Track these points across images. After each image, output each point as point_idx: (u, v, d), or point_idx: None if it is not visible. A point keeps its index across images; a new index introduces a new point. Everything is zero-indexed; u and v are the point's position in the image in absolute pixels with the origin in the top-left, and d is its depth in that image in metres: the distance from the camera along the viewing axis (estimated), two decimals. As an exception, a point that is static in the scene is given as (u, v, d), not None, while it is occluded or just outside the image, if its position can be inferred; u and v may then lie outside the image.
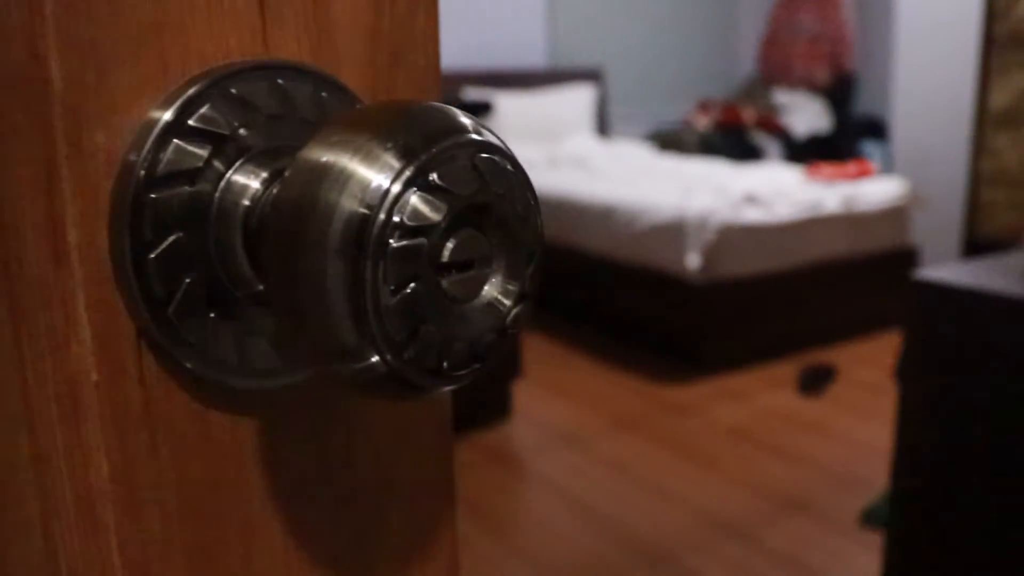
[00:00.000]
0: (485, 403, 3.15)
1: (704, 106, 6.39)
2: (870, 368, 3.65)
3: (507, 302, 0.36)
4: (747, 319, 3.68)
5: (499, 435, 3.07)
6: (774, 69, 6.79)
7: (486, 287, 0.35)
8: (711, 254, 3.52)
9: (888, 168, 5.11)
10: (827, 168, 4.21)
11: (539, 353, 3.73)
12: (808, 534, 2.40)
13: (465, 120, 0.34)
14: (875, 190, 4.00)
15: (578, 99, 5.63)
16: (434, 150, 0.32)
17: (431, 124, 0.33)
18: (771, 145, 6.24)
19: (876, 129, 6.42)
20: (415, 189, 0.31)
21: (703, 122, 6.20)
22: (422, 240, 0.32)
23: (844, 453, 2.89)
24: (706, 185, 4.01)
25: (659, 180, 4.36)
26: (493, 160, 0.34)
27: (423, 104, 0.35)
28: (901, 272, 4.06)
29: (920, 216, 4.70)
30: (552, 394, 3.42)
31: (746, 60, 6.91)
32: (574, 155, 5.08)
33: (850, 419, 3.17)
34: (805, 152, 6.27)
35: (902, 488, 1.52)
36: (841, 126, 6.49)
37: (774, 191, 3.76)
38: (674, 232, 3.57)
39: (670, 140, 6.02)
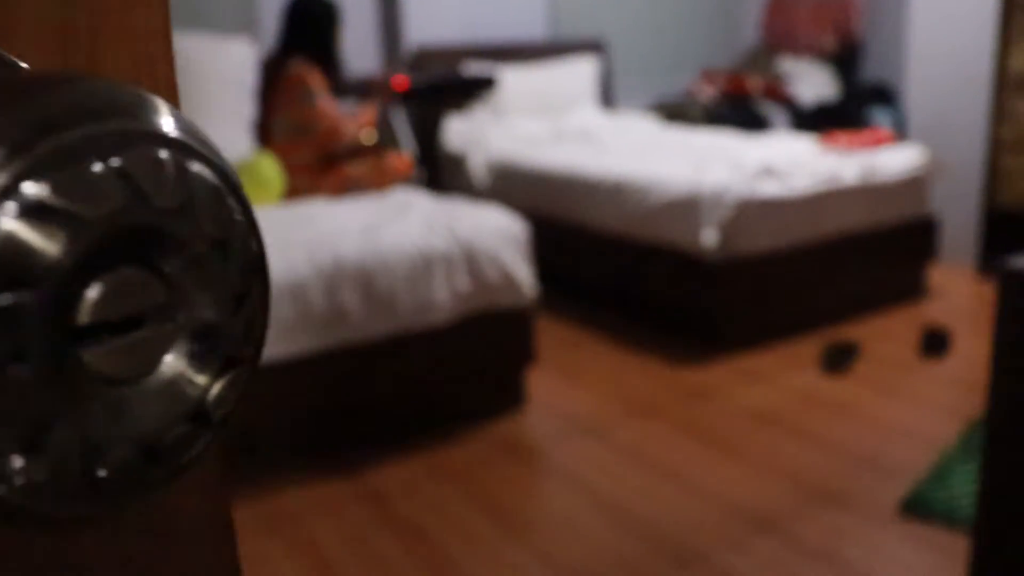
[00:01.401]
0: (498, 391, 3.02)
1: (708, 76, 6.23)
2: (893, 343, 3.52)
3: (202, 376, 0.25)
4: (765, 296, 3.55)
5: (513, 425, 2.94)
6: (778, 37, 6.62)
7: (168, 356, 0.24)
8: (728, 230, 3.38)
9: (899, 135, 4.96)
10: (843, 137, 4.07)
11: (551, 336, 3.60)
12: (845, 526, 2.27)
13: (123, 96, 0.22)
14: (894, 159, 3.86)
15: (581, 71, 5.47)
16: (46, 146, 0.20)
17: (56, 103, 0.21)
18: (777, 114, 6.09)
19: (885, 95, 6.27)
20: (15, 208, 0.19)
21: (708, 92, 6.05)
22: (26, 295, 0.20)
23: (875, 436, 2.77)
24: (718, 158, 3.88)
25: (669, 153, 4.22)
26: (158, 159, 0.23)
27: (61, 75, 0.22)
28: (920, 242, 4.01)
29: (938, 185, 4.56)
30: (567, 380, 3.29)
31: (749, 28, 6.74)
32: (579, 129, 4.94)
33: (877, 398, 3.05)
34: (812, 120, 6.13)
35: (993, 486, 1.39)
36: (848, 93, 6.34)
37: (790, 163, 3.62)
38: (689, 208, 3.43)
39: (675, 111, 5.88)
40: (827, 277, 3.69)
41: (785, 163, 3.60)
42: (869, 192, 3.74)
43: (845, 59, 6.47)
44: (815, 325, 3.67)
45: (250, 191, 3.21)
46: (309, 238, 2.68)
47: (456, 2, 5.39)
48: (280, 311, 2.51)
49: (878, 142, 4.00)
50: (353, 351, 2.66)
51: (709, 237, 3.36)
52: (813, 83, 6.26)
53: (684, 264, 3.49)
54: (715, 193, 3.38)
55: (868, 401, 3.03)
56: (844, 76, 6.41)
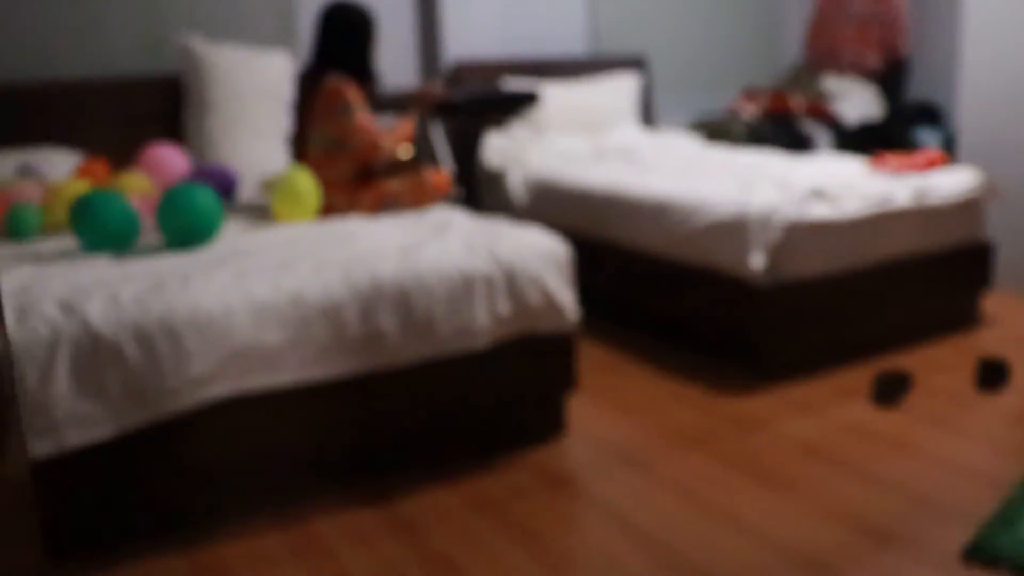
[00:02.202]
0: (537, 418, 2.91)
1: (750, 94, 6.11)
2: (948, 374, 3.38)
3: None
4: (812, 323, 3.42)
5: (553, 454, 2.84)
6: (822, 54, 6.49)
7: None
8: (775, 253, 3.27)
9: (947, 156, 4.81)
10: (893, 159, 3.93)
11: (590, 360, 3.50)
12: (903, 572, 2.15)
13: None
14: (947, 181, 3.72)
15: (621, 88, 5.37)
16: None
17: None
18: (821, 133, 5.95)
19: (931, 115, 6.12)
20: None
21: (749, 110, 5.93)
22: None
23: (932, 474, 2.63)
24: (765, 179, 3.76)
25: (712, 173, 4.11)
26: None
27: None
28: (975, 268, 3.87)
29: (992, 208, 4.42)
30: (607, 406, 3.18)
31: (792, 46, 6.61)
32: (620, 146, 4.84)
33: (933, 434, 2.91)
34: (856, 140, 6.00)
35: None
36: (893, 112, 6.19)
37: (840, 185, 3.49)
38: (736, 230, 3.31)
39: (717, 130, 5.76)
40: (877, 304, 3.56)
41: (834, 185, 3.48)
42: (921, 216, 3.61)
43: (890, 78, 6.32)
44: (865, 354, 3.54)
45: (285, 207, 3.14)
46: (345, 257, 2.60)
47: (495, 17, 5.31)
48: (314, 333, 2.43)
49: (930, 164, 3.86)
50: (389, 375, 2.57)
51: (756, 260, 3.24)
52: (857, 102, 6.12)
53: (729, 288, 3.38)
54: (763, 215, 3.27)
55: (924, 436, 2.89)
56: (889, 95, 6.26)
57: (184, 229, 2.72)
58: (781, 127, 5.78)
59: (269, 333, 2.37)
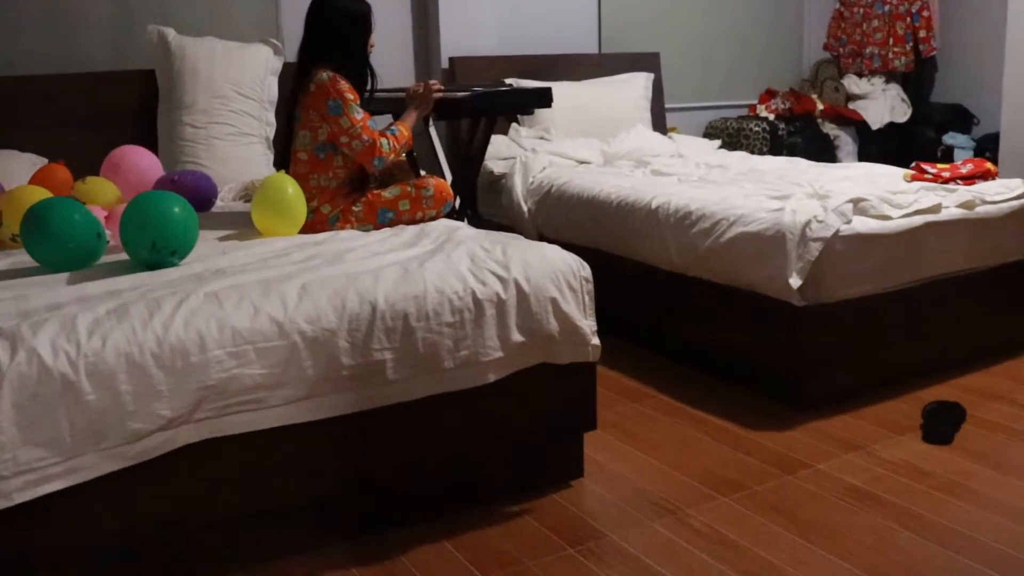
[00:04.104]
0: (552, 460, 2.58)
1: (769, 94, 5.79)
2: (1004, 405, 3.06)
3: None
4: (856, 348, 3.09)
5: (570, 500, 2.50)
6: (845, 54, 6.17)
7: None
8: (815, 271, 2.94)
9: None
10: (935, 168, 3.61)
11: (607, 388, 3.16)
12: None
13: None
14: (997, 191, 3.40)
15: (633, 89, 5.04)
16: None
17: None
18: (844, 137, 5.65)
19: (961, 118, 5.81)
20: None
21: (768, 113, 5.61)
22: None
23: (993, 522, 2.31)
24: (795, 187, 3.44)
25: (737, 181, 3.78)
26: None
27: None
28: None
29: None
30: (629, 443, 2.85)
31: (813, 44, 6.28)
32: (633, 151, 4.51)
33: (995, 475, 2.59)
34: (882, 144, 5.70)
35: None
36: (921, 115, 5.88)
37: (881, 196, 3.17)
38: (771, 245, 2.98)
39: (734, 133, 5.44)
40: (925, 327, 3.23)
41: (876, 195, 3.15)
42: (971, 229, 3.28)
43: (917, 78, 6.02)
44: (912, 382, 3.21)
45: (268, 219, 2.80)
46: (336, 277, 2.26)
47: (496, 13, 4.97)
48: (302, 366, 2.09)
49: (978, 174, 3.54)
50: (386, 413, 2.24)
51: (793, 278, 2.91)
52: (882, 103, 5.81)
53: (763, 309, 3.05)
54: (801, 228, 2.94)
55: (984, 478, 2.57)
56: (915, 96, 5.95)
57: (152, 245, 2.38)
58: (802, 130, 5.47)
59: (249, 367, 2.04)
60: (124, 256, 2.52)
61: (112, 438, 1.90)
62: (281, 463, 2.15)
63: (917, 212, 3.16)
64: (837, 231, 2.96)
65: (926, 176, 3.57)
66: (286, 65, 4.04)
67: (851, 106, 5.85)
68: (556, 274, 2.43)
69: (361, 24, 3.03)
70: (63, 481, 1.87)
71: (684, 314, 3.44)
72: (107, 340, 1.91)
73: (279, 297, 2.13)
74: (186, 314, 2.02)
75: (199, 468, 2.04)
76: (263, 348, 2.05)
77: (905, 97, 5.93)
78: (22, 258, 2.55)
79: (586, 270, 2.49)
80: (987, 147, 5.44)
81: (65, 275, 2.37)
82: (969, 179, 3.50)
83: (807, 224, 2.95)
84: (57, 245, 2.40)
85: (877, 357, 3.15)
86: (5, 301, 2.11)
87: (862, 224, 3.04)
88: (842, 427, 2.92)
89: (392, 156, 2.98)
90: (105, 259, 2.56)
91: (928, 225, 3.16)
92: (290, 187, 2.82)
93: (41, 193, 2.86)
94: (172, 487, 2.02)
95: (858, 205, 3.08)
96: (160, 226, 2.39)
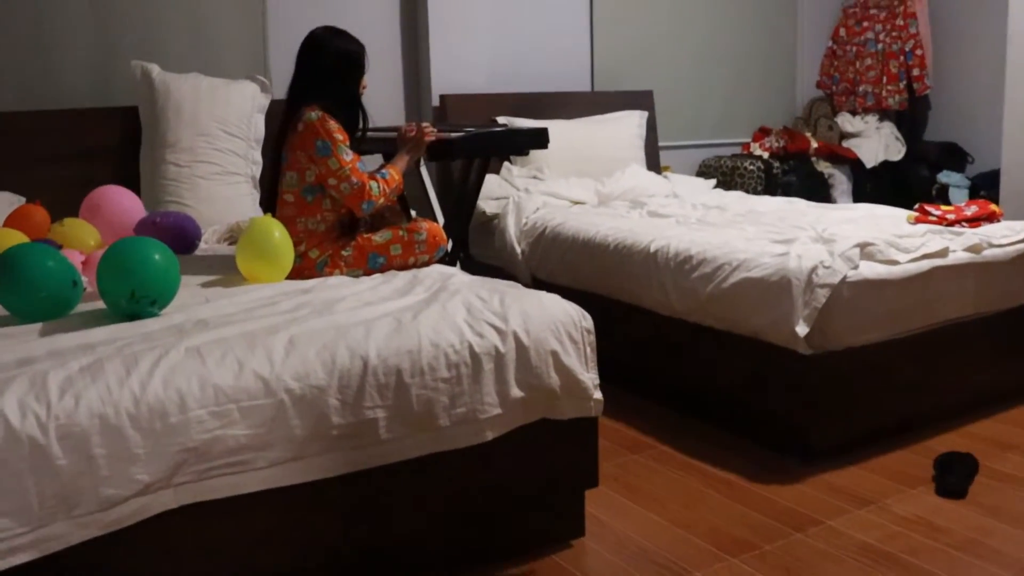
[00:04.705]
0: (552, 519, 2.45)
1: (763, 132, 5.73)
2: (1018, 455, 2.97)
3: None
4: (864, 397, 2.98)
5: (571, 563, 2.37)
6: (838, 91, 6.12)
7: None
8: (821, 318, 2.83)
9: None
10: (940, 210, 3.53)
11: (609, 440, 3.04)
12: None
13: None
14: (1003, 234, 3.31)
15: (627, 127, 4.95)
16: None
17: None
18: (839, 175, 5.57)
19: (955, 157, 5.74)
20: None
21: (763, 150, 5.54)
22: None
23: (1031, 592, 2.19)
24: (797, 229, 3.34)
25: (736, 222, 3.69)
26: None
27: None
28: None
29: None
30: (630, 499, 2.72)
31: (806, 82, 6.22)
32: (628, 191, 4.42)
33: (1014, 531, 2.47)
34: (876, 182, 5.63)
35: None
36: (915, 153, 5.82)
37: (888, 240, 3.07)
38: (776, 291, 2.88)
39: (728, 172, 5.36)
40: (934, 374, 3.13)
41: (883, 239, 3.06)
42: (979, 273, 3.19)
43: (910, 116, 5.96)
44: (922, 432, 3.10)
45: (253, 265, 2.68)
46: (325, 328, 2.14)
47: (487, 50, 4.89)
48: (289, 425, 1.97)
49: (983, 216, 3.45)
50: (378, 475, 2.11)
51: (800, 326, 2.81)
52: (876, 142, 5.75)
53: (766, 357, 2.94)
54: (807, 274, 2.84)
55: (1003, 536, 2.45)
56: (909, 135, 5.90)
57: (131, 294, 2.25)
58: (797, 168, 5.39)
59: (233, 427, 1.91)
60: (101, 304, 2.38)
61: (84, 505, 1.77)
62: (267, 528, 2.01)
63: (925, 256, 3.07)
64: (844, 277, 2.86)
65: (930, 218, 3.49)
66: (273, 102, 3.94)
67: (845, 144, 5.79)
68: (556, 325, 2.31)
69: (355, 65, 2.92)
70: (30, 552, 1.73)
71: (685, 361, 3.32)
72: (80, 400, 1.78)
73: (265, 352, 2.01)
74: (165, 371, 1.89)
75: (178, 536, 1.91)
76: (248, 407, 1.92)
77: (899, 135, 5.88)
78: (-6, 308, 2.42)
79: (587, 320, 2.37)
80: (982, 186, 5.38)
81: (38, 326, 2.24)
82: (974, 221, 3.42)
83: (813, 270, 2.85)
84: (29, 294, 2.26)
85: (885, 406, 3.04)
86: (-29, 356, 1.98)
87: (869, 269, 2.94)
88: (852, 480, 2.80)
89: (382, 200, 2.87)
90: (82, 307, 2.42)
91: (936, 269, 3.07)
92: (276, 231, 2.71)
93: (16, 236, 2.74)
94: (149, 557, 1.89)
95: (865, 249, 2.98)
96: (140, 275, 2.26)
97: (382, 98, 4.51)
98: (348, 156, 2.80)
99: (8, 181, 3.54)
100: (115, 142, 3.87)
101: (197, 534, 1.93)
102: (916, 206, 3.65)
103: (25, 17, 3.81)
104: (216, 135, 3.84)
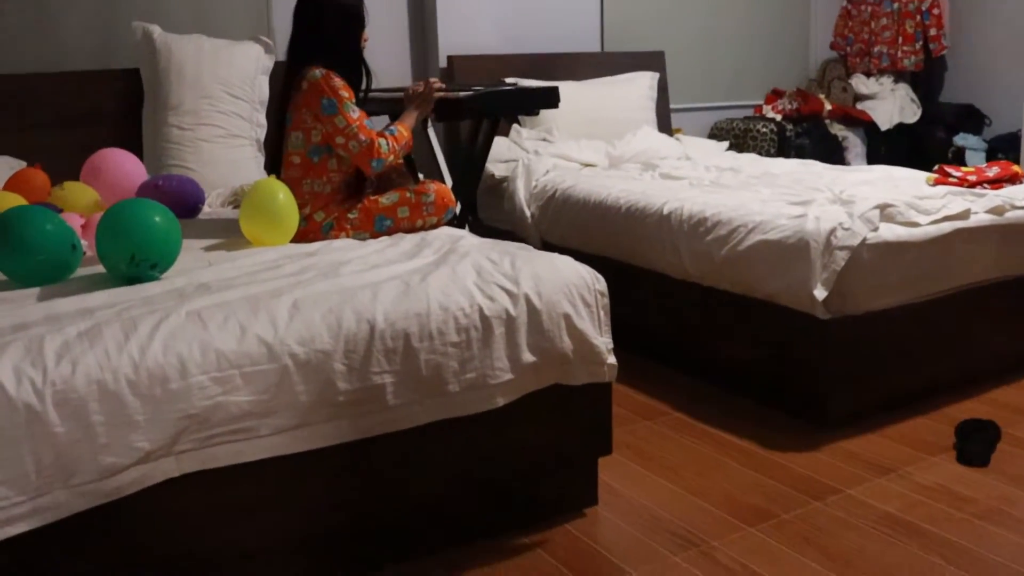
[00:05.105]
0: (565, 488, 2.39)
1: (776, 95, 5.62)
2: (1039, 423, 2.89)
3: None
4: (884, 362, 2.91)
5: (584, 532, 2.31)
6: (852, 53, 6.00)
7: None
8: (840, 282, 2.76)
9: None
10: (961, 171, 3.44)
11: (622, 407, 2.97)
12: None
13: None
14: (1025, 195, 3.23)
15: (638, 89, 4.85)
16: None
17: None
18: (853, 138, 5.47)
19: (972, 119, 5.63)
20: None
21: (775, 112, 5.43)
22: None
23: (1056, 561, 2.13)
24: (814, 192, 3.26)
25: (751, 184, 3.60)
26: None
27: None
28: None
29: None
30: (645, 467, 2.66)
31: (820, 43, 6.10)
32: (640, 154, 4.33)
33: (1041, 502, 2.41)
34: (891, 145, 5.53)
35: None
36: (930, 115, 5.71)
37: (908, 201, 2.99)
38: (793, 254, 2.80)
39: (740, 135, 5.27)
40: (956, 339, 3.06)
41: (903, 201, 2.98)
42: (1002, 234, 3.11)
43: (926, 77, 5.85)
44: (942, 399, 3.03)
45: (257, 227, 2.62)
46: (331, 292, 2.07)
47: (495, 9, 4.78)
48: (293, 391, 1.90)
49: (1010, 178, 3.36)
50: (386, 442, 2.05)
51: (818, 289, 2.73)
52: (891, 103, 5.64)
53: (785, 322, 2.87)
54: (825, 236, 2.76)
55: (1026, 504, 2.39)
56: (925, 96, 5.78)
57: (131, 257, 2.18)
58: (810, 131, 5.29)
59: (235, 393, 1.85)
60: (102, 269, 2.32)
61: (83, 474, 1.71)
62: (271, 498, 1.96)
63: (946, 218, 2.99)
64: (864, 239, 2.78)
65: (950, 180, 3.40)
66: (277, 64, 3.85)
67: (859, 106, 5.68)
68: (569, 288, 2.24)
69: (353, 17, 2.82)
70: (29, 522, 1.68)
71: (699, 326, 3.25)
72: (77, 365, 1.72)
73: (268, 316, 1.94)
74: (165, 336, 1.83)
75: (180, 505, 1.85)
76: (251, 372, 1.86)
77: (915, 97, 5.77)
78: (-8, 272, 2.35)
79: (601, 283, 2.30)
80: (1000, 148, 5.28)
81: (35, 290, 2.18)
82: (996, 183, 3.33)
83: (832, 232, 2.77)
84: (26, 257, 2.20)
85: (905, 372, 2.97)
86: (-34, 321, 1.92)
87: (889, 231, 2.86)
88: (871, 448, 2.74)
89: (391, 158, 2.79)
90: (81, 272, 2.36)
91: (957, 232, 2.99)
92: (281, 193, 2.63)
93: (14, 199, 2.67)
94: (150, 526, 1.83)
95: (885, 211, 2.90)
96: (140, 237, 2.19)
97: (388, 59, 4.43)
98: (355, 113, 2.72)
99: (8, 145, 3.48)
100: (117, 105, 3.80)
101: (198, 504, 1.88)
102: (936, 167, 3.56)
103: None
104: (219, 97, 3.76)
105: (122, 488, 1.76)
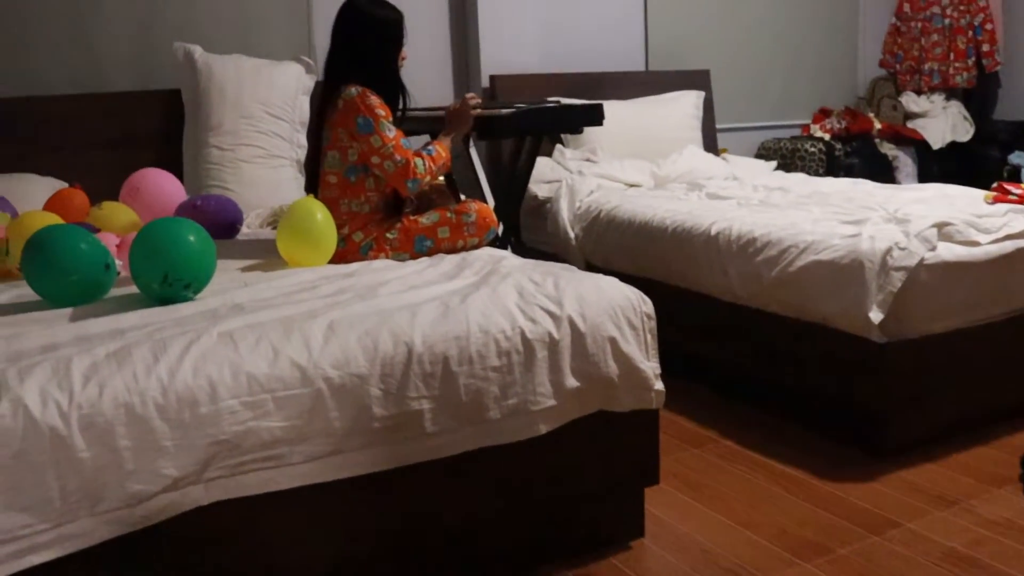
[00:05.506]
0: (610, 519, 2.29)
1: (824, 114, 5.50)
2: (1110, 453, 2.74)
3: None
4: (944, 388, 2.79)
5: (630, 567, 2.21)
6: (902, 70, 5.87)
7: None
8: (897, 304, 2.65)
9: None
10: (1021, 189, 3.31)
11: (668, 434, 2.87)
12: None
13: None
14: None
15: (684, 108, 4.77)
16: None
17: None
18: (904, 157, 5.34)
19: (1027, 137, 5.48)
20: None
21: (824, 132, 5.32)
22: None
23: None
24: (871, 211, 3.15)
25: (801, 203, 3.50)
26: None
27: None
28: None
29: None
30: (693, 496, 2.56)
31: (869, 60, 5.98)
32: (686, 173, 4.24)
33: (1116, 538, 2.27)
34: (943, 164, 5.38)
35: None
36: (984, 134, 5.56)
37: (967, 219, 2.87)
38: (847, 275, 2.70)
39: (788, 154, 5.16)
40: (1017, 364, 2.93)
41: (961, 219, 2.86)
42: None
43: (979, 94, 5.70)
44: (1005, 427, 2.90)
45: (294, 248, 2.56)
46: (367, 314, 2.00)
47: (537, 28, 4.73)
48: (327, 417, 1.83)
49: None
50: (424, 470, 1.97)
51: (874, 312, 2.62)
52: (943, 122, 5.50)
53: (839, 346, 2.76)
54: (881, 256, 2.65)
55: (1104, 540, 2.26)
56: (978, 114, 5.63)
57: (164, 277, 2.13)
58: (860, 150, 5.17)
59: (267, 418, 1.78)
60: (136, 289, 2.27)
61: (109, 501, 1.65)
62: (303, 527, 1.88)
63: (1008, 237, 2.86)
64: (922, 259, 2.67)
65: (1010, 197, 3.27)
66: (318, 84, 3.82)
67: (910, 125, 5.54)
68: (615, 310, 2.15)
69: (392, 33, 2.76)
70: (53, 551, 1.62)
71: (748, 350, 3.14)
72: (104, 388, 1.67)
73: (302, 338, 1.87)
74: (196, 358, 1.77)
75: (209, 534, 1.78)
76: (283, 397, 1.79)
77: (967, 115, 5.62)
78: (28, 291, 2.31)
79: (648, 305, 2.21)
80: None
81: (68, 311, 2.13)
82: (1059, 201, 3.20)
83: (888, 251, 2.66)
84: (59, 277, 2.16)
85: (967, 399, 2.84)
86: (-5, 342, 1.87)
87: (948, 251, 2.75)
88: (931, 478, 2.61)
89: (428, 178, 2.72)
90: (115, 292, 2.31)
91: (1020, 251, 2.87)
92: (319, 213, 2.58)
93: (51, 219, 2.63)
94: (177, 556, 1.77)
95: (943, 230, 2.79)
96: (173, 256, 2.14)
97: (430, 78, 4.39)
98: (391, 132, 2.66)
99: (51, 166, 3.48)
100: (158, 126, 3.79)
101: (228, 534, 1.81)
102: (994, 184, 3.43)
103: (67, 1, 3.72)
104: (260, 117, 3.73)
105: (150, 516, 1.70)
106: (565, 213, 3.95)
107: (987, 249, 2.81)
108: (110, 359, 1.74)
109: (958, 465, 2.69)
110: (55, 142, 3.59)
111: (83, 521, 1.64)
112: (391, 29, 2.76)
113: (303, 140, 3.82)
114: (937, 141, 5.44)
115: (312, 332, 1.90)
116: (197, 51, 3.74)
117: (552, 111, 3.48)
